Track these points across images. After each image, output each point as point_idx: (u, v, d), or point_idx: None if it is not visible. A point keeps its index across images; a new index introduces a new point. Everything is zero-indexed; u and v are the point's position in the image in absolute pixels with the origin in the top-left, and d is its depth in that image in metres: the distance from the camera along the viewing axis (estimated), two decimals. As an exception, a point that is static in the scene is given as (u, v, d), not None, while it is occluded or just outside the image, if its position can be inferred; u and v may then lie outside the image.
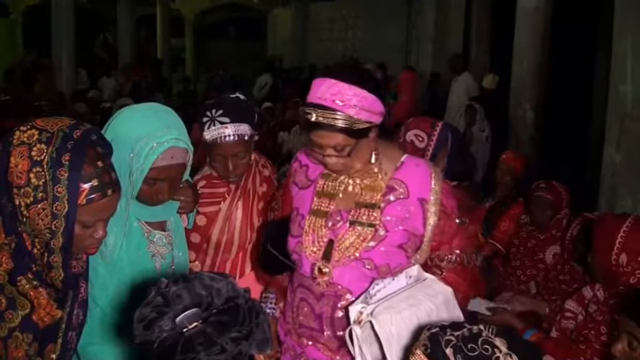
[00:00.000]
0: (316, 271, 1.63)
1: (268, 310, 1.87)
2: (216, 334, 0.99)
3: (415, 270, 1.58)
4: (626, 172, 3.57)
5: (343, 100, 1.49)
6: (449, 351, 1.02)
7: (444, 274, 1.67)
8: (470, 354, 1.01)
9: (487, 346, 1.01)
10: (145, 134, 1.54)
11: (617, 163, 3.60)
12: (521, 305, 2.52)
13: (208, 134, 1.94)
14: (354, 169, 1.63)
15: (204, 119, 1.94)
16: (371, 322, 1.40)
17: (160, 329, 1.00)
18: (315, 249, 1.64)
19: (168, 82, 10.78)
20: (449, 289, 1.54)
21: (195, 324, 1.00)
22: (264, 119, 6.48)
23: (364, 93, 1.51)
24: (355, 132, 1.53)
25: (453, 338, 1.03)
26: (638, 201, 3.47)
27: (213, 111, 1.94)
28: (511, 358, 1.01)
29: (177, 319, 1.00)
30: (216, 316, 1.02)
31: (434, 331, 1.07)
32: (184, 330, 1.00)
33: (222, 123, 1.92)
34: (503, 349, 1.01)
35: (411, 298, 1.45)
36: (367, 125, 1.54)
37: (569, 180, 3.48)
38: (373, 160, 1.64)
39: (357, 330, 1.42)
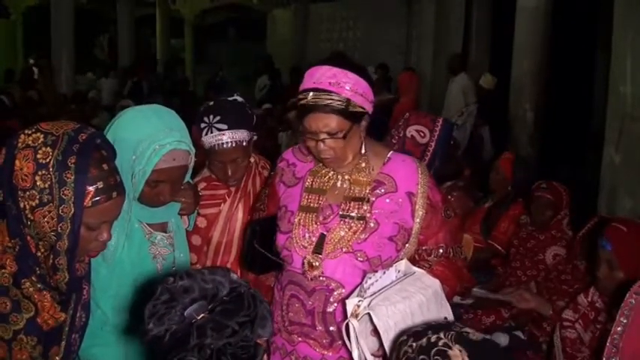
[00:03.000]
0: (306, 266, 1.64)
1: None
2: (226, 320, 1.04)
3: (403, 265, 1.60)
4: (625, 173, 3.57)
5: (338, 83, 1.54)
6: None
7: (433, 267, 1.69)
8: None
9: (438, 357, 1.02)
10: (147, 136, 1.54)
11: (616, 163, 3.60)
12: (525, 302, 2.51)
13: (206, 140, 1.92)
14: (346, 160, 1.66)
15: (202, 125, 1.93)
16: (369, 315, 1.41)
17: (169, 322, 1.03)
18: (306, 243, 1.65)
19: (167, 83, 10.78)
20: (437, 282, 1.56)
21: (202, 315, 1.04)
22: (264, 120, 6.48)
23: (357, 78, 1.57)
24: (349, 114, 1.57)
25: (409, 350, 1.05)
26: (638, 201, 3.47)
27: (211, 117, 1.92)
28: None
29: (186, 311, 1.04)
30: (222, 305, 1.06)
31: (402, 339, 1.09)
32: (193, 321, 1.04)
33: (219, 130, 1.90)
34: (458, 358, 1.01)
35: (403, 291, 1.48)
36: (361, 110, 1.58)
37: (569, 180, 3.49)
38: (363, 151, 1.68)
39: (354, 323, 1.43)
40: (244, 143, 1.95)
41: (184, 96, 9.08)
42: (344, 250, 1.62)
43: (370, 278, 1.55)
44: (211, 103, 2.03)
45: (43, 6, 10.04)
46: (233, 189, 2.07)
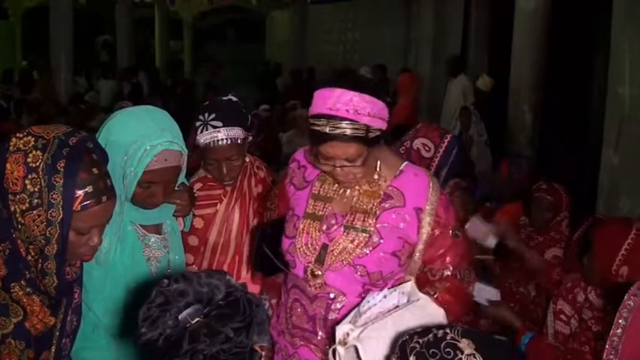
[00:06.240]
0: (309, 274, 1.63)
1: None
2: (220, 325, 1.03)
3: (409, 286, 1.53)
4: (624, 174, 3.57)
5: (356, 109, 1.47)
6: (412, 359, 1.04)
7: (437, 294, 1.62)
8: (431, 359, 1.02)
9: (449, 349, 1.02)
10: (139, 137, 1.53)
11: (615, 164, 3.60)
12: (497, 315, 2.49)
13: (201, 138, 1.95)
14: (362, 180, 1.62)
15: (198, 123, 1.96)
16: (356, 347, 1.36)
17: (163, 326, 1.03)
18: (308, 252, 1.64)
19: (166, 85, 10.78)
20: (441, 312, 1.48)
21: (197, 319, 1.04)
22: (264, 121, 6.48)
23: (374, 100, 1.50)
24: (369, 140, 1.51)
25: (417, 345, 1.05)
26: (637, 203, 3.47)
27: (206, 115, 1.94)
28: (475, 358, 1.01)
29: (181, 315, 1.04)
30: (218, 310, 1.05)
31: (404, 339, 1.09)
32: (187, 325, 1.03)
33: (214, 127, 1.93)
34: (468, 350, 1.01)
35: (400, 319, 1.40)
36: (379, 133, 1.53)
37: (568, 181, 3.49)
38: (378, 168, 1.63)
39: (340, 350, 1.40)
40: (239, 141, 1.97)
41: (184, 98, 9.08)
42: (345, 262, 1.60)
43: (369, 302, 1.50)
44: (207, 103, 2.05)
45: (42, 7, 10.03)
46: (229, 189, 2.08)
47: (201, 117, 1.95)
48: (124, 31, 11.32)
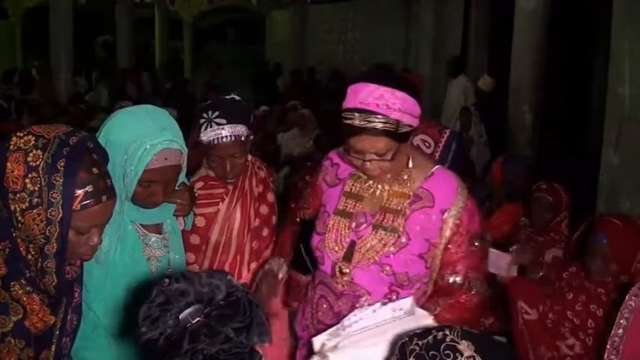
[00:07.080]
0: (337, 271, 1.65)
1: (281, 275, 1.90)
2: (220, 325, 1.03)
3: (408, 304, 1.53)
4: (624, 174, 3.57)
5: (387, 104, 1.49)
6: None
7: (437, 310, 1.60)
8: None
9: (449, 351, 1.02)
10: (139, 136, 1.53)
11: (615, 165, 3.60)
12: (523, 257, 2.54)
13: (205, 136, 1.96)
14: (392, 174, 1.63)
15: (202, 121, 1.97)
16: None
17: (164, 326, 1.03)
18: (337, 248, 1.66)
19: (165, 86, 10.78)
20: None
21: (197, 319, 1.04)
22: (262, 122, 6.48)
23: (405, 96, 1.51)
24: (398, 136, 1.53)
25: (416, 348, 1.05)
26: (637, 203, 3.46)
27: (210, 112, 1.96)
28: None
29: (181, 315, 1.04)
30: (218, 310, 1.05)
31: (403, 341, 1.09)
32: (188, 325, 1.03)
33: (218, 124, 1.94)
34: (467, 352, 1.01)
35: (385, 334, 1.40)
36: (409, 129, 1.55)
37: (568, 181, 3.49)
38: (410, 165, 1.64)
39: None
40: (242, 138, 1.99)
41: (184, 98, 9.07)
42: (371, 260, 1.61)
43: (355, 315, 1.52)
44: (209, 102, 2.07)
45: (42, 7, 10.03)
46: (231, 188, 2.09)
47: (205, 115, 1.96)
48: (124, 31, 11.31)
